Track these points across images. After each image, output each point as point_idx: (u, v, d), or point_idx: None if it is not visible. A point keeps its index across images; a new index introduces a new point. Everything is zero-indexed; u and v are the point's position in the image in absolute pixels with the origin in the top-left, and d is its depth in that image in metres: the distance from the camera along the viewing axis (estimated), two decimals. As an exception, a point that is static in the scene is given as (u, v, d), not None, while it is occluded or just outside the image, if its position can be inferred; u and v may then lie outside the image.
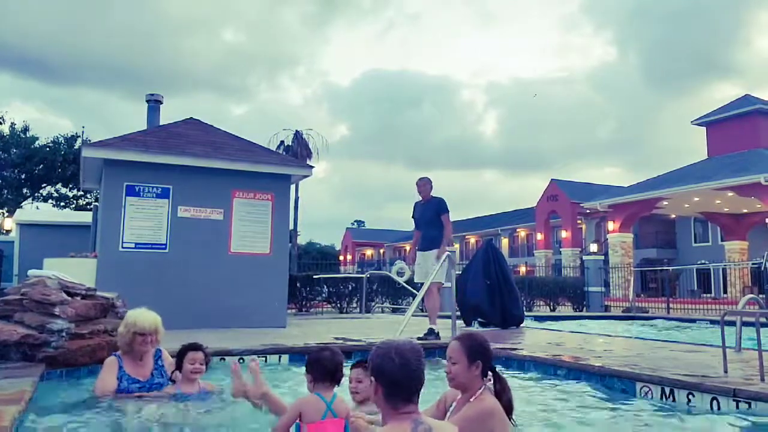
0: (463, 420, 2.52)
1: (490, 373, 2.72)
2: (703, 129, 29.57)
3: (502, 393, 2.67)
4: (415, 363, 2.09)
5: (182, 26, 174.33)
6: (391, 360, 2.07)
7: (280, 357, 6.11)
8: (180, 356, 4.00)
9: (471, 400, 2.64)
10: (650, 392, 4.42)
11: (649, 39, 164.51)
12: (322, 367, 2.86)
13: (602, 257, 22.21)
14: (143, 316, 4.10)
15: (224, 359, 5.85)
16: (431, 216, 7.63)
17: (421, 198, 7.86)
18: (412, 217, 8.01)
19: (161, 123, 11.59)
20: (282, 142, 36.45)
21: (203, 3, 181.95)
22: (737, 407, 3.85)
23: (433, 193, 7.83)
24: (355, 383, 3.40)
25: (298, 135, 36.70)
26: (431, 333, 7.22)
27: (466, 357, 2.66)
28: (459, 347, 2.70)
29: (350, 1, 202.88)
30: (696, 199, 26.19)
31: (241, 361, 5.91)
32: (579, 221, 36.79)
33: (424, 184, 7.81)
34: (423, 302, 7.79)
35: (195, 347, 4.04)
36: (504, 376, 2.78)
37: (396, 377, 2.05)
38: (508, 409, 2.67)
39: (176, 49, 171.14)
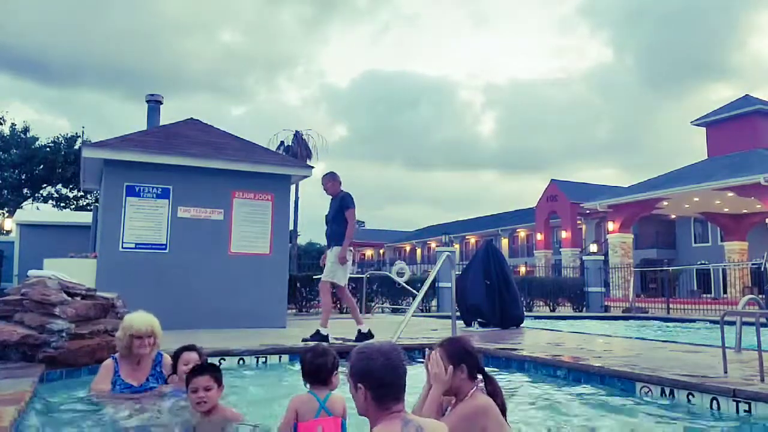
0: (456, 417, 2.52)
1: (480, 375, 2.71)
2: (701, 130, 29.60)
3: (495, 395, 2.67)
4: (398, 360, 2.10)
5: (180, 27, 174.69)
6: (376, 361, 2.07)
7: (280, 357, 6.11)
8: (175, 358, 3.98)
9: (464, 400, 2.64)
10: (650, 392, 4.42)
11: (644, 41, 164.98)
12: (304, 369, 2.92)
13: (602, 257, 22.21)
14: (139, 319, 4.08)
15: (224, 359, 5.85)
16: (335, 211, 7.12)
17: (330, 195, 7.35)
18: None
19: (161, 124, 11.60)
20: (282, 142, 36.41)
21: (201, 4, 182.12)
22: (737, 407, 3.86)
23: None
24: (202, 392, 3.12)
25: (297, 135, 36.68)
26: (317, 334, 6.74)
27: (449, 362, 2.66)
28: (441, 353, 2.71)
29: (346, 2, 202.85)
30: (696, 199, 26.20)
31: (242, 361, 5.92)
32: (579, 221, 36.79)
33: (326, 181, 7.27)
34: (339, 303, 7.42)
35: (190, 348, 4.02)
36: (494, 376, 2.78)
37: (384, 377, 2.05)
38: (502, 410, 2.67)
39: (174, 51, 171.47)
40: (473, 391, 2.64)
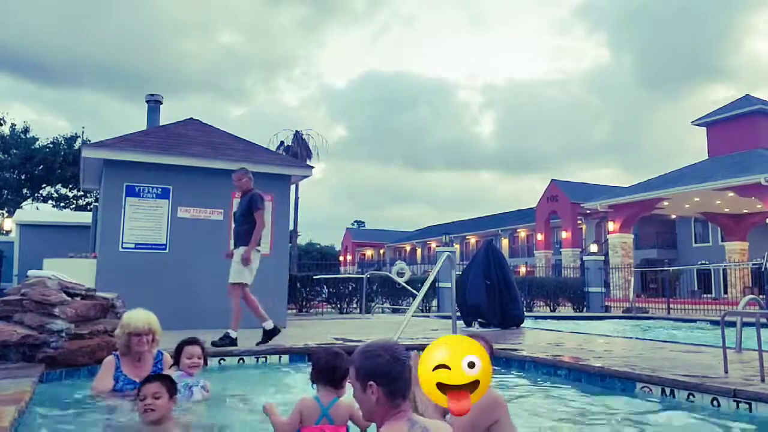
0: (471, 410, 2.50)
1: None
2: (699, 130, 29.64)
3: None
4: (403, 355, 2.10)
5: (179, 28, 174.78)
6: (382, 356, 2.06)
7: (280, 357, 6.11)
8: (177, 351, 4.00)
9: None
10: (650, 392, 4.42)
11: (641, 42, 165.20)
12: (318, 368, 2.82)
13: (602, 258, 22.20)
14: (137, 317, 4.11)
15: (224, 359, 5.85)
16: (242, 211, 6.87)
17: (240, 192, 7.07)
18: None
19: (161, 124, 11.59)
20: (282, 142, 36.47)
21: (199, 5, 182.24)
22: (737, 407, 3.85)
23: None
24: (150, 399, 3.03)
25: (297, 135, 36.72)
26: (227, 337, 6.35)
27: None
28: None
29: (343, 4, 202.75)
30: (696, 199, 26.19)
31: (241, 361, 5.92)
32: (579, 222, 36.79)
33: (239, 177, 6.97)
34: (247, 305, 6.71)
35: (192, 341, 4.03)
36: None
37: (393, 373, 2.05)
38: None
39: (173, 52, 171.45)
40: None
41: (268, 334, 6.52)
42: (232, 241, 7.13)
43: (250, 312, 6.66)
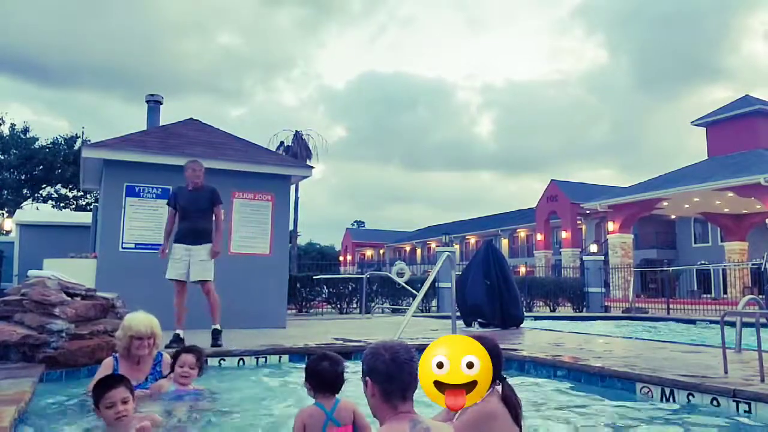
0: (463, 422, 2.49)
1: (498, 380, 2.64)
2: (698, 130, 29.66)
3: (509, 402, 2.58)
4: (405, 356, 2.10)
5: (178, 29, 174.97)
6: (382, 356, 2.08)
7: (279, 357, 6.11)
8: (174, 359, 4.02)
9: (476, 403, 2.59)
10: (650, 393, 4.42)
11: (639, 43, 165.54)
12: (320, 378, 2.73)
13: (602, 258, 22.20)
14: (139, 320, 4.10)
15: (224, 359, 5.85)
16: (204, 205, 6.63)
17: (189, 184, 6.71)
18: (174, 203, 6.73)
19: (160, 124, 11.58)
20: (282, 142, 36.44)
21: (198, 6, 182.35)
22: (737, 408, 3.86)
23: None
24: (121, 405, 2.96)
25: (297, 135, 36.70)
26: (216, 333, 6.35)
27: None
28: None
29: (342, 5, 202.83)
30: (696, 199, 26.20)
31: (241, 361, 5.92)
32: (579, 222, 36.79)
33: (199, 168, 6.75)
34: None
35: (189, 349, 4.04)
36: (510, 384, 2.67)
37: (389, 372, 2.05)
38: (516, 419, 2.60)
39: (173, 52, 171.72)
40: (488, 394, 2.58)
41: (177, 340, 6.21)
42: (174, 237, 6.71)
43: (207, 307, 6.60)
